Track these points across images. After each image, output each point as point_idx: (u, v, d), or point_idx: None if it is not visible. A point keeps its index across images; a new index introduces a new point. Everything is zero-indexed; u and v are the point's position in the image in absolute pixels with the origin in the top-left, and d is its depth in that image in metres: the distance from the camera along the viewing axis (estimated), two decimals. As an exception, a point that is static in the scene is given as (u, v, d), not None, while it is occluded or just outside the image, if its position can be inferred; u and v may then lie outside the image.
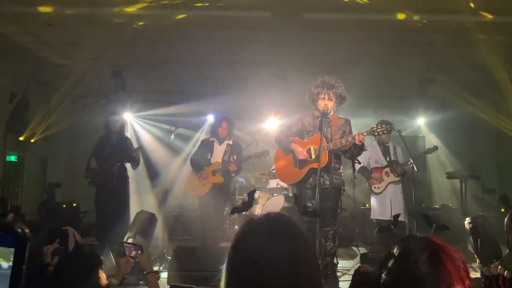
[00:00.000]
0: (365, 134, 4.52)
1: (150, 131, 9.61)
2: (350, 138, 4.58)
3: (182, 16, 6.24)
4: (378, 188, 6.41)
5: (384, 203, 6.35)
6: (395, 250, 1.33)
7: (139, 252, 2.91)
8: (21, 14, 6.32)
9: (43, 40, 7.37)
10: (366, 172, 6.49)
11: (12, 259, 0.94)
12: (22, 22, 6.63)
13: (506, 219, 3.51)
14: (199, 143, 6.85)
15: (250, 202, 2.54)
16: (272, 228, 1.30)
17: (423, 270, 1.23)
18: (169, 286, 4.11)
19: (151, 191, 8.89)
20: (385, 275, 1.31)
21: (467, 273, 1.24)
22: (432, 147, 6.83)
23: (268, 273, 1.20)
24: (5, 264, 0.94)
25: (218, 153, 6.32)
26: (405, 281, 1.26)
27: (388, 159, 6.51)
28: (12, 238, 0.97)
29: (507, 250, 4.04)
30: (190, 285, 2.05)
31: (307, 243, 1.32)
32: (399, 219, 6.14)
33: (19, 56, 7.79)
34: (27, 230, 1.01)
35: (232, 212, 2.50)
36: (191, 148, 8.61)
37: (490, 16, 6.05)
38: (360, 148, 4.65)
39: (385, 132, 4.58)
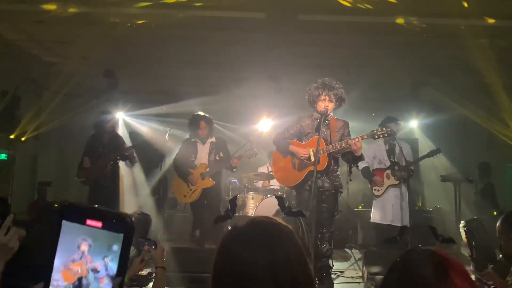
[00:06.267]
0: (365, 137, 4.46)
1: (143, 130, 9.54)
2: (348, 141, 4.49)
3: (181, 15, 6.20)
4: (378, 190, 6.18)
5: (383, 206, 6.10)
6: (398, 263, 1.31)
7: (153, 247, 2.90)
8: (12, 11, 6.24)
9: (35, 38, 7.29)
10: (368, 174, 6.23)
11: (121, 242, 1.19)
12: (13, 20, 6.55)
13: (498, 224, 3.50)
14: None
15: (233, 209, 2.51)
16: (255, 236, 1.28)
17: (428, 283, 1.20)
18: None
19: (147, 191, 8.83)
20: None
21: (472, 286, 1.22)
22: (434, 149, 6.51)
23: (250, 282, 1.19)
24: (116, 246, 1.18)
25: (203, 153, 6.15)
26: None
27: (392, 160, 6.22)
28: (122, 225, 1.20)
29: (501, 255, 4.05)
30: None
31: (294, 248, 1.28)
32: (404, 224, 5.72)
33: (10, 54, 7.69)
34: (134, 219, 1.20)
35: (216, 222, 2.46)
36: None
37: (491, 21, 6.07)
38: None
39: (386, 135, 4.52)
